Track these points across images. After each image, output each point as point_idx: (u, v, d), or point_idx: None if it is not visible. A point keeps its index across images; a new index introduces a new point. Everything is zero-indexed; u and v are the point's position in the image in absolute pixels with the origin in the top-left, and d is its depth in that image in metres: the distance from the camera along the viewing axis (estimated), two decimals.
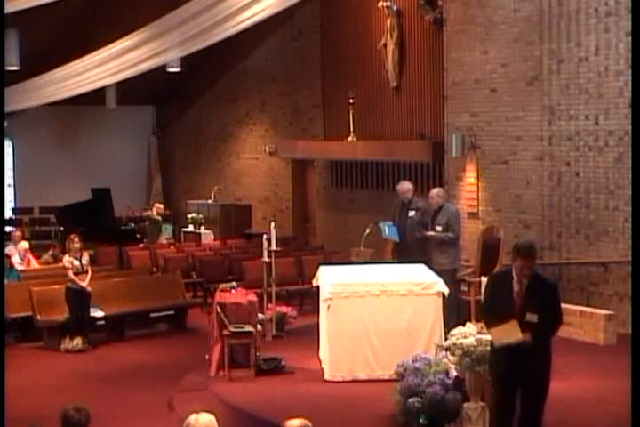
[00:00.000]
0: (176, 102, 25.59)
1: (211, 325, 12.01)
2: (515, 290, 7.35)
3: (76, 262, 13.75)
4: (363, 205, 18.86)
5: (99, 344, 13.87)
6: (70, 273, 13.67)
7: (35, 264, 17.02)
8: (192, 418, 5.55)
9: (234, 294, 12.18)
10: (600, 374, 10.65)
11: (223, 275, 16.22)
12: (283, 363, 11.22)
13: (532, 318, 7.29)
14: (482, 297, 8.07)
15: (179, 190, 25.57)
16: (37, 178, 23.70)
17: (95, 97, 20.76)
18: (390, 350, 10.45)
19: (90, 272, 13.90)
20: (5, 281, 14.91)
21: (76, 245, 13.89)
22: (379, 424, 9.12)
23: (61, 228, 20.67)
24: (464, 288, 13.36)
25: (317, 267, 12.41)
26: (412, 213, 13.33)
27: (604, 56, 13.50)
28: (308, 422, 5.57)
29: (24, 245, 17.07)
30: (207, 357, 11.73)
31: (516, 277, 7.34)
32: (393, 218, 13.72)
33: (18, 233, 18.15)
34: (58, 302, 13.80)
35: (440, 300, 10.82)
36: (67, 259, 13.83)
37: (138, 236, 20.82)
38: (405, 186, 13.69)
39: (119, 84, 20.37)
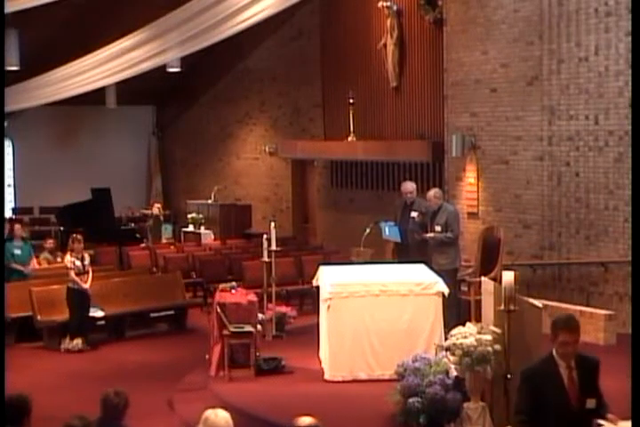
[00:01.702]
0: (176, 102, 25.59)
1: (211, 325, 12.01)
2: (565, 377, 6.18)
3: (78, 263, 13.72)
4: (363, 205, 18.86)
5: (99, 344, 13.86)
6: (72, 273, 13.64)
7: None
8: (211, 413, 5.67)
9: (234, 294, 12.17)
10: (600, 374, 10.63)
11: (223, 275, 16.21)
12: (283, 363, 11.22)
13: (591, 404, 6.23)
14: (517, 402, 6.43)
15: (179, 190, 25.57)
16: (37, 178, 23.72)
17: (95, 97, 20.77)
18: (390, 350, 10.46)
19: (90, 273, 13.89)
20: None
21: (80, 245, 13.86)
22: (379, 424, 9.13)
23: (61, 228, 20.68)
24: (464, 288, 13.37)
25: (317, 267, 12.42)
26: (414, 214, 13.34)
27: (604, 56, 13.51)
28: (316, 422, 5.66)
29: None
30: (207, 357, 11.73)
31: (562, 363, 6.24)
32: (394, 218, 13.73)
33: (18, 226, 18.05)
34: (58, 302, 13.78)
35: (440, 300, 10.82)
36: (69, 259, 13.79)
37: (138, 236, 20.84)
38: (409, 186, 13.70)
39: (119, 84, 20.38)
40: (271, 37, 21.64)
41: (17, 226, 15.96)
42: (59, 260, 16.54)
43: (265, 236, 13.87)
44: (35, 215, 24.10)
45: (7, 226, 16.70)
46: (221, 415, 5.67)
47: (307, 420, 5.71)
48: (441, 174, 16.64)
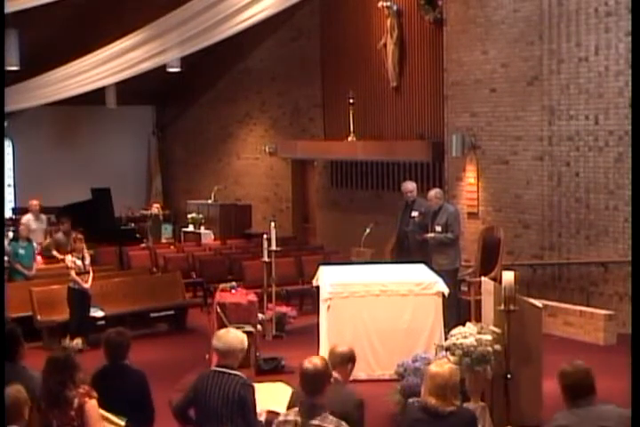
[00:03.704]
0: (176, 102, 25.59)
1: (211, 325, 12.00)
2: None
3: (79, 262, 13.73)
4: (363, 205, 18.86)
5: (99, 344, 13.83)
6: (73, 273, 13.63)
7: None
8: (222, 330, 6.41)
9: (234, 294, 12.17)
10: (600, 374, 10.61)
11: (223, 275, 16.19)
12: (283, 363, 11.22)
13: None
14: None
15: (179, 190, 25.57)
16: (37, 178, 23.69)
17: (95, 97, 20.76)
18: (390, 350, 10.46)
19: (91, 273, 13.88)
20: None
21: (81, 244, 13.87)
22: (379, 424, 9.12)
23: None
24: (464, 288, 13.38)
25: (317, 267, 12.42)
26: (414, 214, 13.36)
27: (604, 56, 13.52)
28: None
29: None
30: (207, 357, 11.72)
31: None
32: (398, 218, 13.76)
33: (35, 202, 18.15)
34: (58, 302, 13.77)
35: (440, 300, 10.83)
36: (70, 258, 13.78)
37: (138, 236, 20.83)
38: (410, 186, 13.74)
39: (119, 84, 20.37)
40: (271, 37, 21.64)
41: (22, 226, 15.99)
42: (60, 264, 16.51)
43: (265, 236, 13.87)
44: None
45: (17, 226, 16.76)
46: (233, 332, 6.39)
47: (344, 348, 6.30)
48: (441, 174, 16.64)
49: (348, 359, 6.36)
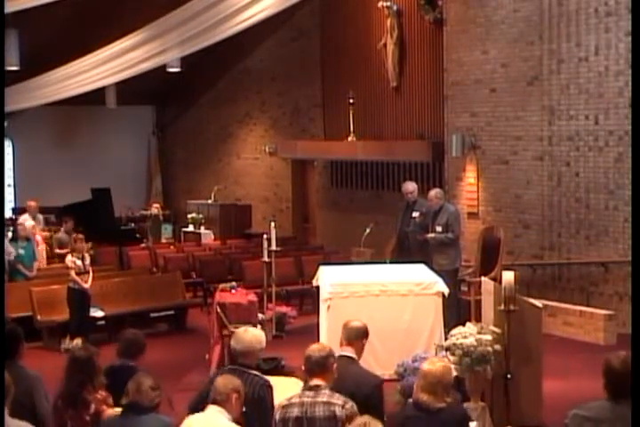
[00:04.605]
0: (176, 102, 25.59)
1: (211, 325, 12.00)
2: None
3: (79, 262, 13.74)
4: (363, 205, 18.86)
5: (99, 344, 13.84)
6: (73, 273, 13.64)
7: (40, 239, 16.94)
8: (241, 329, 6.41)
9: (234, 294, 12.16)
10: (600, 374, 10.62)
11: (223, 275, 16.19)
12: (283, 363, 11.20)
13: None
14: None
15: (179, 190, 25.57)
16: (37, 178, 23.70)
17: (95, 97, 20.77)
18: (390, 350, 10.44)
19: (91, 273, 13.89)
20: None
21: (82, 244, 13.88)
22: None
23: (61, 228, 20.64)
24: (464, 288, 13.37)
25: (317, 267, 12.41)
26: (415, 214, 13.36)
27: (604, 56, 13.52)
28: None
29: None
30: (207, 357, 11.72)
31: None
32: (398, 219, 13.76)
33: (33, 203, 18.19)
34: (58, 302, 13.78)
35: (440, 300, 10.82)
36: (70, 258, 13.80)
37: (138, 236, 20.83)
38: (410, 186, 13.72)
39: (119, 84, 20.38)
40: (271, 37, 21.65)
41: (20, 226, 16.02)
42: (60, 264, 16.53)
43: (265, 236, 13.86)
44: None
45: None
46: (252, 332, 6.37)
47: (357, 322, 6.50)
48: (441, 174, 16.64)
49: (362, 334, 6.56)
